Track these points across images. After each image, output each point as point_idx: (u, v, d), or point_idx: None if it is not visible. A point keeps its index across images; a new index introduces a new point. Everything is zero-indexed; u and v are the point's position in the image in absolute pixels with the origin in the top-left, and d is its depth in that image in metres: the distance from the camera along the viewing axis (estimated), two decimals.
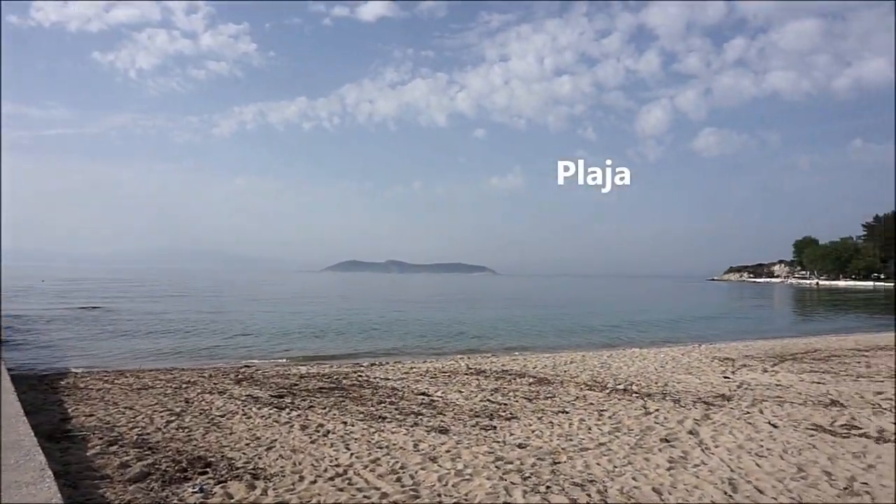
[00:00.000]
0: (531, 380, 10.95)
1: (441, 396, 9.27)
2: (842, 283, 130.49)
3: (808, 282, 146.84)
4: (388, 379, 11.08)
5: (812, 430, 7.00)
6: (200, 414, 7.90)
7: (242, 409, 8.21)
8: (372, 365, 13.70)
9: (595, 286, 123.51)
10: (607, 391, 9.78)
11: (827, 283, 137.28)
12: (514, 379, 11.06)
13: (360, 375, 11.52)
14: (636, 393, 9.59)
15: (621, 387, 10.20)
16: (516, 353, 17.44)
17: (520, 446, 6.33)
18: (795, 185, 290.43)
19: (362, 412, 8.04)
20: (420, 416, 7.77)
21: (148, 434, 6.78)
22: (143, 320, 26.76)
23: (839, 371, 11.86)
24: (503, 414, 7.94)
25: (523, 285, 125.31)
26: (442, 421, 7.52)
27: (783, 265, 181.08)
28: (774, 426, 7.19)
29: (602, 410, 8.18)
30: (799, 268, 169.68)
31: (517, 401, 8.89)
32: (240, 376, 11.33)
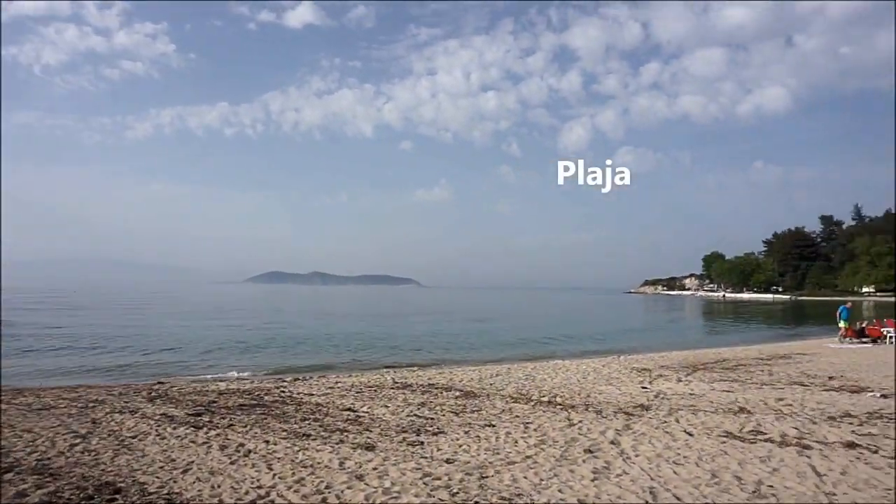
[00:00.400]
0: (458, 393, 10.97)
1: (367, 412, 9.13)
2: (745, 296, 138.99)
3: (715, 294, 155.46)
4: (313, 394, 10.81)
5: (723, 436, 7.36)
6: (109, 435, 7.41)
7: (156, 429, 7.77)
8: (296, 380, 13.33)
9: (518, 298, 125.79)
10: (532, 403, 9.93)
11: (732, 295, 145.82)
12: (441, 392, 11.05)
13: (283, 391, 11.18)
14: (560, 405, 9.79)
15: (546, 399, 10.39)
16: (443, 366, 17.47)
17: (447, 461, 6.30)
18: (705, 202, 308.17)
19: (285, 430, 7.79)
20: (346, 433, 7.60)
21: (49, 459, 6.28)
22: (47, 335, 24.96)
23: (745, 379, 12.57)
24: (430, 429, 7.90)
25: (448, 297, 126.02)
26: (368, 437, 7.39)
27: (694, 278, 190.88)
28: (690, 434, 7.51)
29: (528, 423, 8.29)
30: (708, 281, 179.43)
31: (444, 415, 8.88)
32: (153, 394, 10.73)
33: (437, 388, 11.57)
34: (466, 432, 7.70)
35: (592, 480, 5.63)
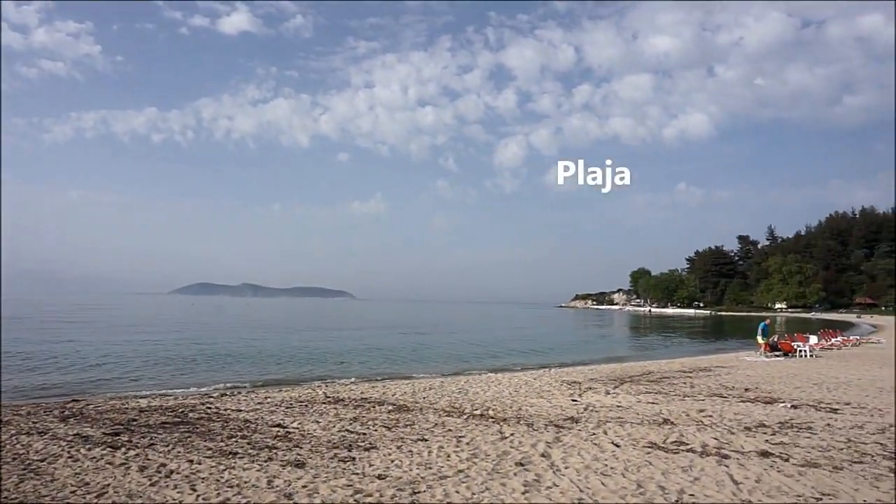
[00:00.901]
0: (391, 407, 10.88)
1: (297, 427, 8.91)
2: (669, 311, 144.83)
3: (642, 309, 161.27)
4: (241, 410, 10.46)
5: (648, 447, 7.60)
6: (14, 459, 6.91)
7: (68, 451, 7.31)
8: (223, 395, 12.87)
9: (452, 312, 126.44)
10: (465, 417, 9.97)
11: (658, 310, 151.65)
12: (374, 407, 10.93)
13: (209, 407, 10.76)
14: (492, 418, 9.86)
15: (478, 412, 10.45)
16: (376, 380, 17.29)
17: (379, 477, 6.23)
18: (633, 221, 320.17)
19: (211, 448, 7.49)
20: (275, 450, 7.39)
21: None
22: None
23: (669, 392, 13.06)
24: (362, 444, 7.78)
25: (383, 310, 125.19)
26: (298, 454, 7.20)
27: (622, 293, 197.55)
28: (617, 445, 7.72)
29: (460, 437, 8.31)
30: (635, 296, 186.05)
31: (376, 430, 8.78)
32: (66, 413, 10.10)
33: (369, 403, 11.43)
34: (399, 447, 7.64)
35: (523, 493, 5.69)
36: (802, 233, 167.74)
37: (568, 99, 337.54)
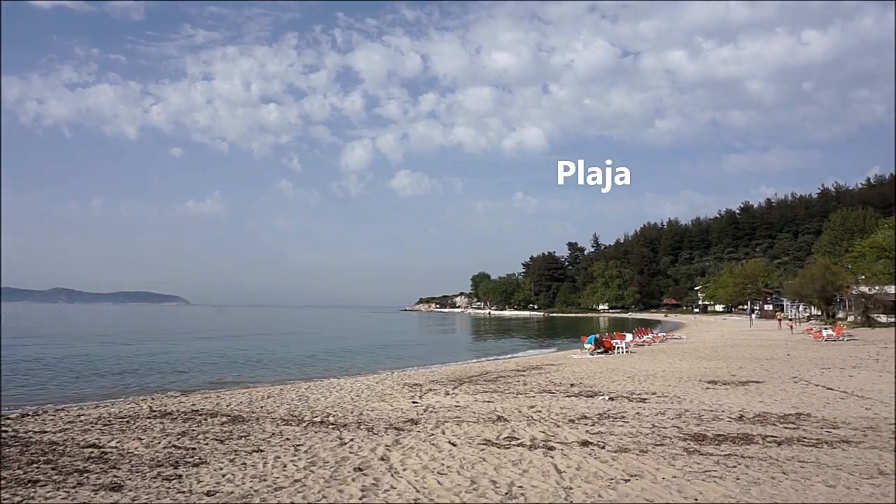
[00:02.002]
0: (224, 419, 10.30)
1: (115, 446, 8.11)
2: (507, 313, 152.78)
3: (482, 311, 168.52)
4: (46, 432, 9.29)
5: (483, 444, 7.95)
6: None
7: None
8: (24, 416, 11.34)
9: (293, 317, 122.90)
10: (304, 424, 9.72)
11: (496, 312, 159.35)
12: (206, 419, 10.27)
13: (4, 431, 9.42)
14: (333, 424, 9.73)
15: (318, 419, 10.25)
16: (209, 390, 16.28)
17: (208, 494, 5.86)
18: (474, 226, 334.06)
19: (4, 478, 6.56)
20: (86, 474, 6.65)
21: None
22: None
23: (504, 390, 13.77)
24: (191, 460, 7.28)
25: (219, 316, 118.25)
26: (115, 476, 6.55)
27: (464, 296, 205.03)
28: (454, 444, 7.99)
29: (298, 445, 8.09)
30: (476, 299, 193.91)
31: (208, 443, 8.26)
32: None
33: (201, 415, 10.73)
34: (232, 460, 7.26)
35: (361, 498, 5.68)
36: (621, 240, 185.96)
37: (414, 106, 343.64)
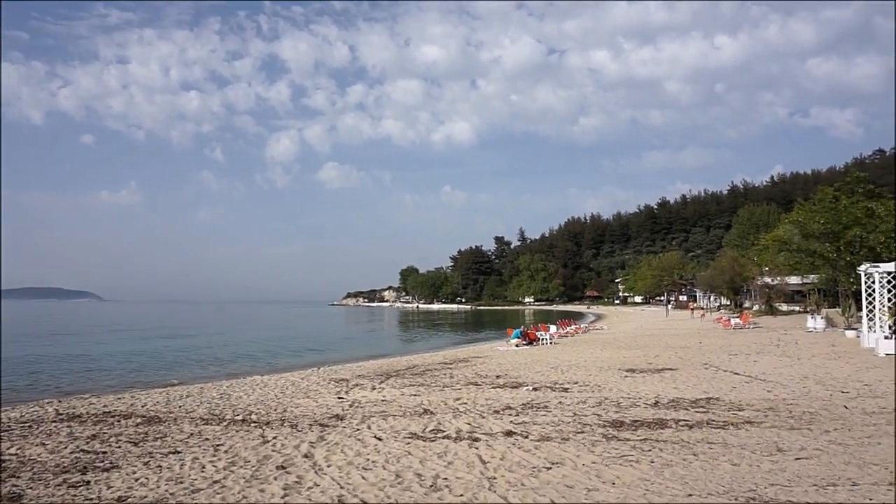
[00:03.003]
0: (139, 420, 9.82)
1: (16, 453, 7.56)
2: (435, 306, 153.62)
3: (411, 305, 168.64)
4: None
5: (409, 438, 7.96)
6: None
7: None
8: None
9: (216, 313, 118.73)
10: (225, 423, 9.42)
11: (425, 306, 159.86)
12: (119, 421, 9.76)
13: None
14: (255, 422, 9.47)
15: (240, 417, 9.96)
16: (124, 390, 15.47)
17: (119, 500, 5.57)
18: (402, 220, 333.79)
19: None
20: None
21: None
22: None
23: (431, 383, 13.83)
24: (100, 464, 6.89)
25: (135, 313, 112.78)
26: (14, 485, 6.11)
27: (392, 290, 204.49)
28: (379, 439, 7.95)
29: (219, 445, 7.82)
30: (404, 293, 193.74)
31: (120, 446, 7.84)
32: None
33: (113, 417, 10.18)
34: (146, 463, 6.93)
35: (283, 497, 5.55)
36: (546, 235, 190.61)
37: (342, 97, 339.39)
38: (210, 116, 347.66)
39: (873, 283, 17.48)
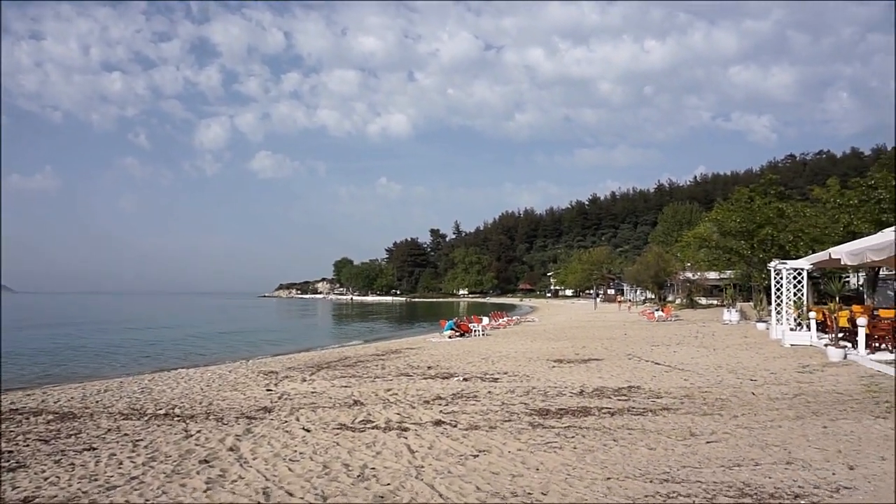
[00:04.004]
0: (51, 417, 9.32)
1: None
2: (370, 298, 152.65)
3: (345, 297, 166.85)
4: None
5: (338, 429, 7.91)
6: None
7: None
8: None
9: (140, 305, 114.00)
10: (147, 418, 9.08)
11: (359, 298, 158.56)
12: (28, 418, 9.24)
13: None
14: (178, 416, 9.17)
15: (162, 411, 9.62)
16: (34, 387, 14.63)
17: (26, 500, 5.29)
18: (337, 211, 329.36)
19: None
20: None
21: None
22: None
23: (362, 375, 13.77)
24: (6, 464, 6.49)
25: (49, 305, 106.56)
26: None
27: (326, 282, 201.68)
28: (308, 430, 7.86)
29: (138, 440, 7.53)
30: (338, 285, 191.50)
31: (28, 445, 7.43)
32: None
33: (22, 414, 9.62)
34: (58, 461, 6.59)
35: (205, 491, 5.42)
36: (481, 228, 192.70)
37: (276, 85, 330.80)
38: (134, 99, 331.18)
39: (781, 278, 18.63)
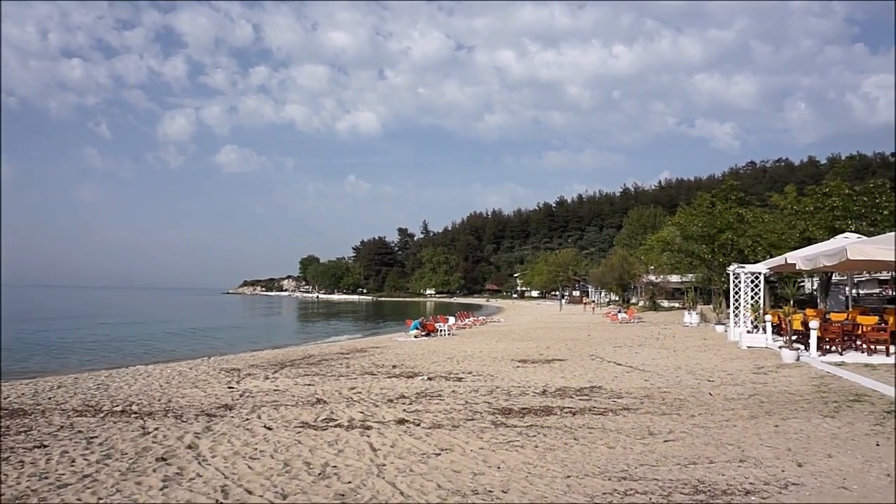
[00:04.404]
0: None
1: None
2: (336, 297, 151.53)
3: (311, 295, 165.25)
4: None
5: (300, 427, 7.84)
6: None
7: None
8: None
9: (97, 299, 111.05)
10: (102, 415, 8.85)
11: (325, 296, 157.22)
12: None
13: None
14: (136, 413, 8.97)
15: (119, 408, 9.39)
16: None
17: None
18: (304, 208, 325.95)
19: None
20: None
21: None
22: None
23: (326, 373, 13.67)
24: None
25: (3, 296, 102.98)
26: None
27: (291, 280, 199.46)
28: (269, 428, 7.78)
29: (92, 437, 7.34)
30: (304, 283, 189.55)
31: None
32: None
33: None
34: (6, 459, 6.38)
35: (161, 490, 5.31)
36: (449, 228, 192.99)
37: (244, 78, 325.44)
38: (95, 88, 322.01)
39: (740, 282, 19.14)
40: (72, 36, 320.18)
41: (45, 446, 6.95)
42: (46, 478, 5.70)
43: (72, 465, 6.12)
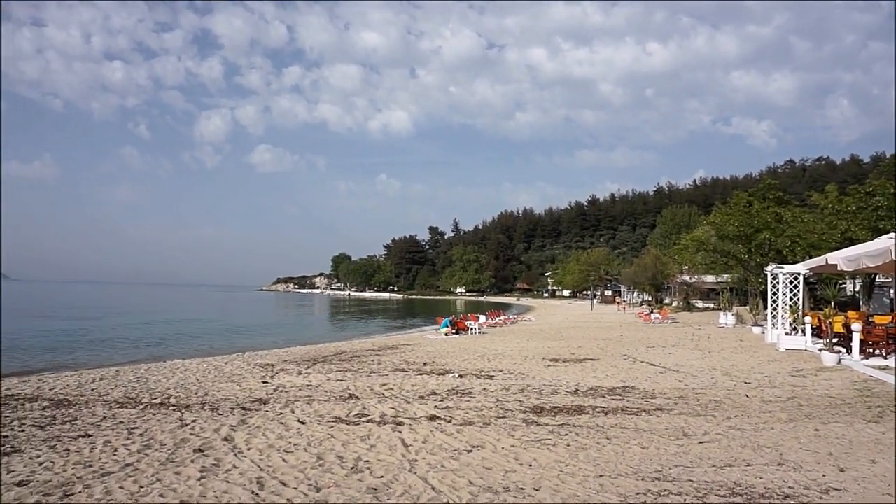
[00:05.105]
0: (46, 403, 9.34)
1: None
2: (367, 294, 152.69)
3: (342, 292, 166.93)
4: None
5: (332, 422, 7.94)
6: None
7: None
8: None
9: (136, 295, 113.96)
10: (142, 407, 9.10)
11: (357, 293, 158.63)
12: (23, 404, 9.25)
13: None
14: (174, 405, 9.20)
15: (158, 401, 9.64)
16: (30, 374, 14.63)
17: (20, 484, 5.31)
18: (336, 206, 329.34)
19: None
20: None
21: None
22: None
23: (358, 369, 13.80)
24: (0, 449, 6.53)
25: (46, 293, 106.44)
26: None
27: (323, 277, 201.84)
28: (302, 423, 7.89)
29: (133, 428, 7.56)
30: (336, 280, 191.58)
31: (24, 430, 7.45)
32: None
33: (17, 400, 9.64)
34: (52, 447, 6.61)
35: (199, 480, 5.44)
36: (480, 227, 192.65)
37: (278, 78, 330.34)
38: (135, 89, 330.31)
39: (778, 283, 18.69)
40: (113, 39, 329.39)
41: (89, 436, 7.18)
42: (91, 465, 5.89)
43: (114, 455, 6.30)
